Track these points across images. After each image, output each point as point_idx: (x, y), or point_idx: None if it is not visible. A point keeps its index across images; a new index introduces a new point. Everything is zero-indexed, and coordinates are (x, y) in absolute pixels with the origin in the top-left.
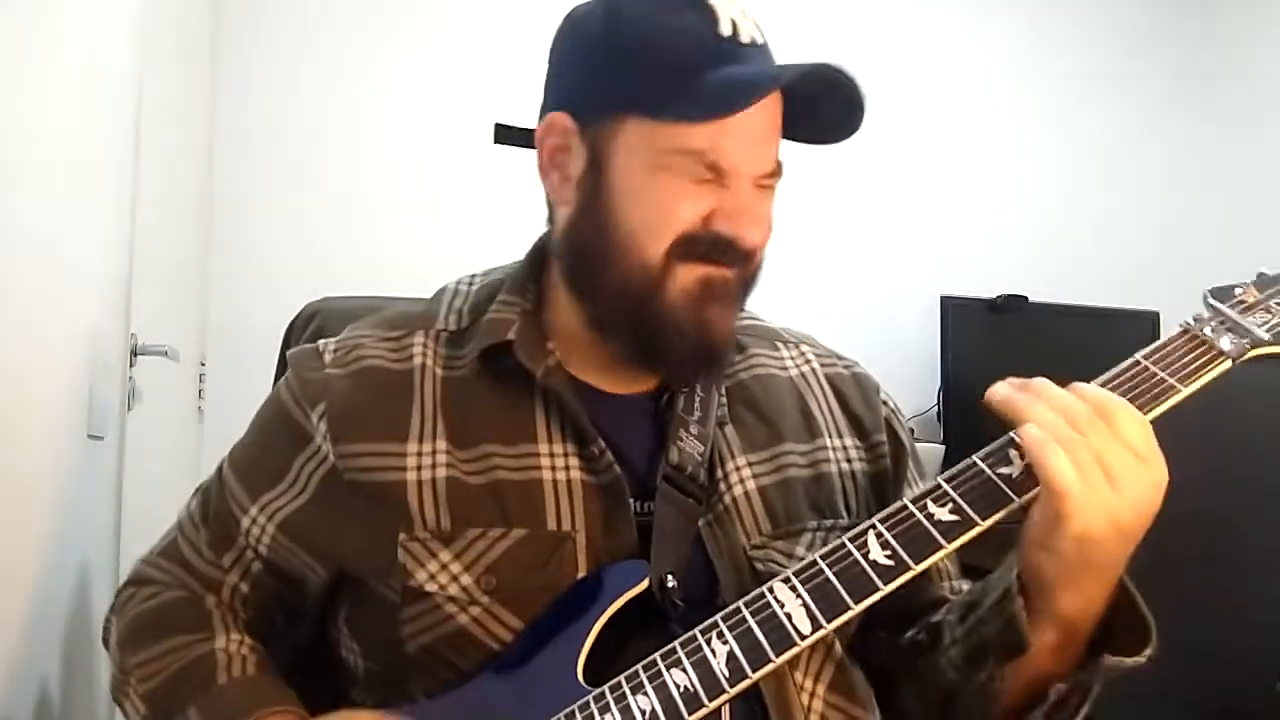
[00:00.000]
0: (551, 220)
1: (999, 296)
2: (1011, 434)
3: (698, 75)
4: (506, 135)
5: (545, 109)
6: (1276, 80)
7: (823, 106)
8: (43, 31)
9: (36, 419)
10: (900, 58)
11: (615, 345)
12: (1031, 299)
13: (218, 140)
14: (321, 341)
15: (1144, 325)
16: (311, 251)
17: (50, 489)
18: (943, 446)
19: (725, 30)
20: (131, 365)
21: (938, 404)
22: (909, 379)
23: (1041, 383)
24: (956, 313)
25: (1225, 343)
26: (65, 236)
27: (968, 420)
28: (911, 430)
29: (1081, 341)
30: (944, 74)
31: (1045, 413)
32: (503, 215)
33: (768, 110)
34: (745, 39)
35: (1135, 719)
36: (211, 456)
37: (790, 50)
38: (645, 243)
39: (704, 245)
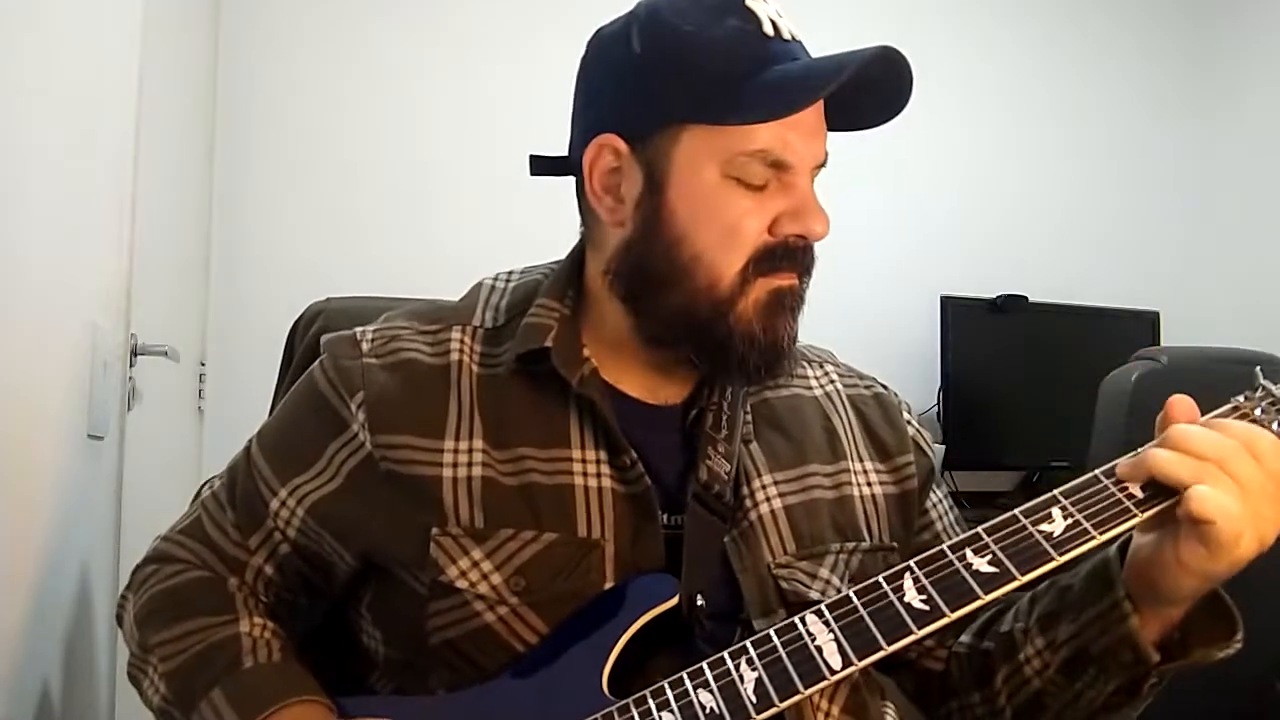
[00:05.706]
0: (588, 237)
1: (999, 296)
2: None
3: (754, 76)
4: (542, 165)
5: (587, 132)
6: (1276, 81)
7: (871, 92)
8: (43, 31)
9: (36, 419)
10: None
11: (669, 354)
12: (1031, 299)
13: (218, 140)
14: (358, 329)
15: (1144, 325)
16: (311, 252)
17: (50, 489)
18: (943, 446)
19: (769, 30)
20: (131, 365)
21: (938, 404)
22: (909, 379)
23: (1182, 432)
24: (956, 313)
25: (1276, 426)
26: (65, 236)
27: (968, 420)
28: None
29: (1081, 341)
30: (945, 73)
31: (1206, 468)
32: (506, 215)
33: (818, 102)
34: (787, 36)
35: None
36: (211, 456)
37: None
38: (714, 263)
39: (778, 255)
